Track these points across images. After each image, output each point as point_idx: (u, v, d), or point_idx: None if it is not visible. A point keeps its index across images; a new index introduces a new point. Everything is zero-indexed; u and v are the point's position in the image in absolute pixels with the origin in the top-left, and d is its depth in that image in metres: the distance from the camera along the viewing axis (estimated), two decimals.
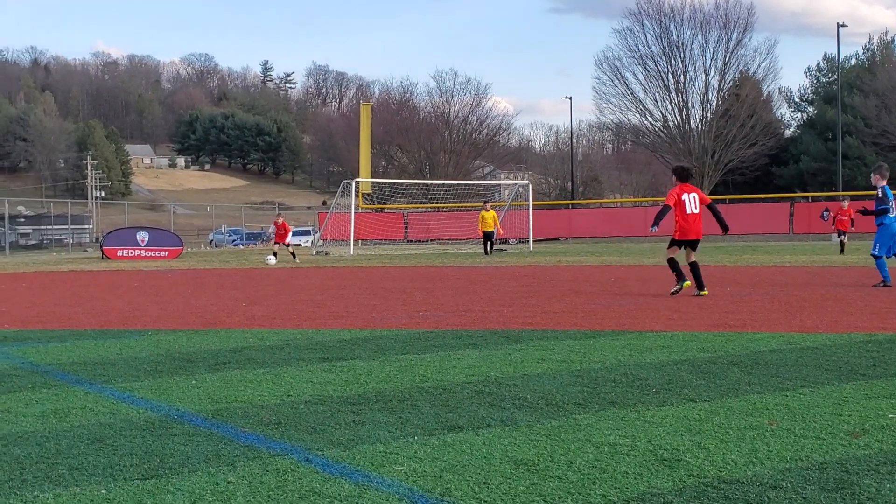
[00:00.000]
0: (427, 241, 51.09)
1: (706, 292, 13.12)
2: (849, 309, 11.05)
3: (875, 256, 14.41)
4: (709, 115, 74.97)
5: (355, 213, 38.75)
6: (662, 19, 74.77)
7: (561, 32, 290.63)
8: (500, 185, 79.29)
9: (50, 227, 67.34)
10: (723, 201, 54.92)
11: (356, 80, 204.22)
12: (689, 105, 75.62)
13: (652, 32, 75.12)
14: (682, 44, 74.57)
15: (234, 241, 70.00)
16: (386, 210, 57.84)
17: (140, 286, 18.47)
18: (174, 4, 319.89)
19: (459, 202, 54.34)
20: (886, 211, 14.30)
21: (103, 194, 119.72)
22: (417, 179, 77.23)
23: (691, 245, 13.50)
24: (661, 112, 76.80)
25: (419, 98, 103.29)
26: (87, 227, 75.38)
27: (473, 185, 58.04)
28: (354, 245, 38.05)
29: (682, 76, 75.11)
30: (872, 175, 14.73)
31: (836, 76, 66.61)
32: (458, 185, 57.33)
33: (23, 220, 71.52)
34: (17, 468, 4.36)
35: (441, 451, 4.54)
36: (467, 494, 3.85)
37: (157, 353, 8.17)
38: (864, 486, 3.88)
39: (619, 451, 4.47)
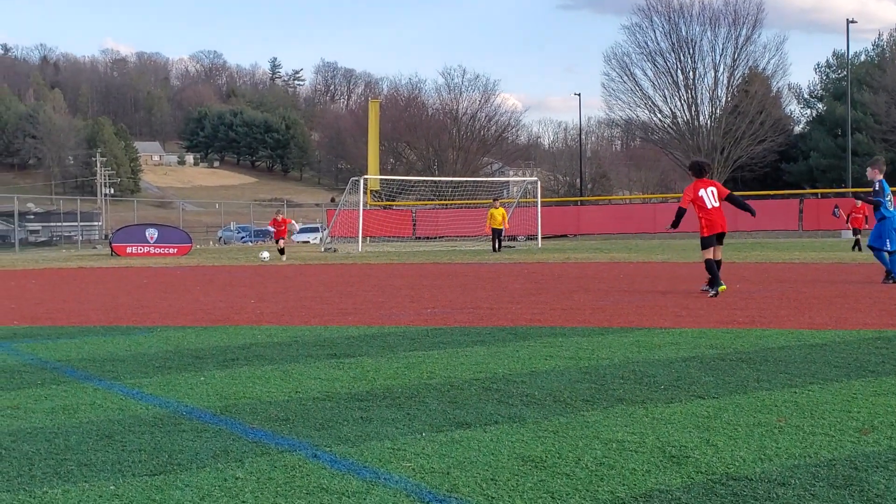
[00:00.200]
0: (435, 238, 51.06)
1: (724, 287, 12.70)
2: (858, 306, 11.02)
3: (889, 252, 14.34)
4: (718, 111, 74.83)
5: (363, 210, 38.73)
6: (671, 15, 74.68)
7: (569, 29, 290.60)
8: (508, 181, 79.34)
9: (59, 223, 67.61)
10: None
11: (364, 76, 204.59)
12: (699, 101, 75.55)
13: (661, 28, 75.06)
14: (692, 40, 74.47)
15: (243, 238, 70.11)
16: (394, 207, 57.84)
17: (149, 283, 18.51)
18: (183, 1, 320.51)
19: (468, 199, 54.33)
20: (881, 203, 14.31)
21: (112, 191, 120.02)
22: (426, 176, 77.21)
23: (718, 239, 13.15)
24: (670, 108, 76.73)
25: (427, 95, 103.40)
26: (96, 223, 75.62)
27: (482, 181, 58.04)
28: (362, 242, 38.05)
29: (691, 72, 75.00)
30: (869, 169, 14.71)
31: (845, 72, 66.44)
32: (467, 181, 57.34)
33: (32, 216, 71.79)
34: (27, 464, 4.37)
35: (449, 447, 4.54)
36: (475, 491, 3.85)
37: (165, 350, 8.19)
38: (872, 482, 3.87)
39: (628, 448, 4.46)
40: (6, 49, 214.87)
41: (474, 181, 57.23)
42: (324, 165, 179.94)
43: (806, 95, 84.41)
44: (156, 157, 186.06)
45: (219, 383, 6.44)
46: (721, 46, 74.03)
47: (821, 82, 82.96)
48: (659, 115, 77.68)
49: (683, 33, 74.53)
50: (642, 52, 75.97)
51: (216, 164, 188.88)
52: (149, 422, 5.23)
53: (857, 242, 28.90)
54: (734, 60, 74.17)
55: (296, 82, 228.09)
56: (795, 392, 5.75)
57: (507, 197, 57.07)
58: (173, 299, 14.07)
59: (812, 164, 72.16)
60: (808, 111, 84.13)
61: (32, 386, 6.48)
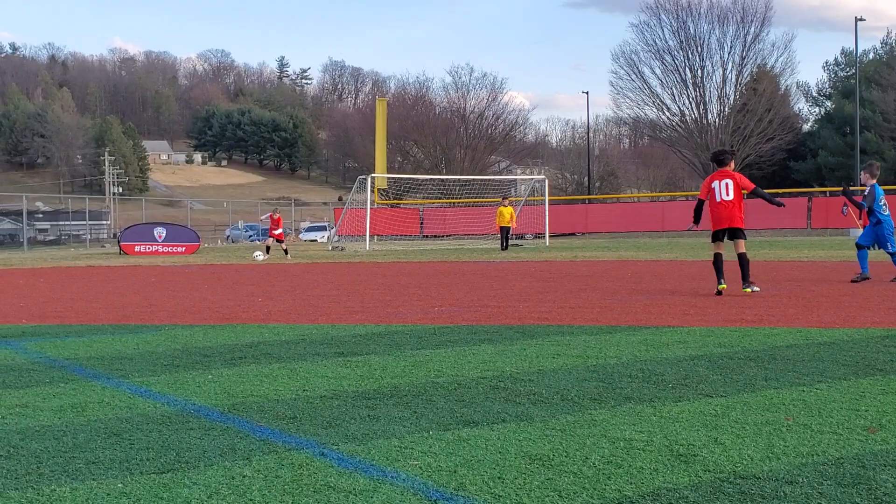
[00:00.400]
0: (442, 236, 51.05)
1: (749, 290, 12.31)
2: (866, 304, 11.00)
3: (858, 246, 14.68)
4: (726, 109, 74.73)
5: (371, 208, 38.74)
6: (679, 13, 74.63)
7: (577, 27, 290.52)
8: (516, 180, 79.28)
9: (68, 222, 67.80)
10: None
11: (372, 75, 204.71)
12: (707, 99, 75.46)
13: (669, 27, 74.99)
14: (700, 38, 74.41)
15: (251, 236, 70.18)
16: (401, 205, 57.85)
17: (157, 281, 18.54)
18: (191, 1, 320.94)
19: (475, 197, 54.31)
20: (863, 207, 14.46)
21: (121, 190, 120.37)
22: (433, 175, 77.22)
23: (729, 235, 12.60)
24: (678, 106, 76.69)
25: (435, 93, 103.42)
26: (104, 222, 75.80)
27: (489, 180, 57.97)
28: (370, 240, 38.06)
29: (699, 70, 74.92)
30: (862, 173, 14.76)
31: (854, 70, 66.24)
32: (474, 180, 57.30)
33: (41, 215, 72.02)
34: (35, 462, 4.38)
35: (456, 445, 4.54)
36: (482, 489, 3.85)
37: (173, 348, 8.20)
38: (880, 481, 3.86)
39: (635, 447, 4.46)
40: (14, 48, 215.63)
41: (482, 179, 57.19)
42: (331, 164, 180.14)
43: (814, 93, 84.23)
44: (164, 156, 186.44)
45: (226, 381, 6.45)
46: (729, 44, 74.02)
47: (829, 80, 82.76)
48: (667, 113, 77.68)
49: (692, 31, 74.51)
50: (650, 50, 76.00)
51: (224, 162, 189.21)
52: (157, 420, 5.24)
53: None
54: (742, 58, 74.11)
55: (303, 81, 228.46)
56: (803, 390, 5.74)
57: (515, 195, 57.02)
58: (181, 298, 14.09)
59: (820, 162, 71.99)
60: (817, 109, 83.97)
61: (41, 384, 6.49)
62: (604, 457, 4.29)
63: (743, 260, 12.40)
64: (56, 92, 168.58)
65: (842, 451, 4.32)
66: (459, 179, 61.17)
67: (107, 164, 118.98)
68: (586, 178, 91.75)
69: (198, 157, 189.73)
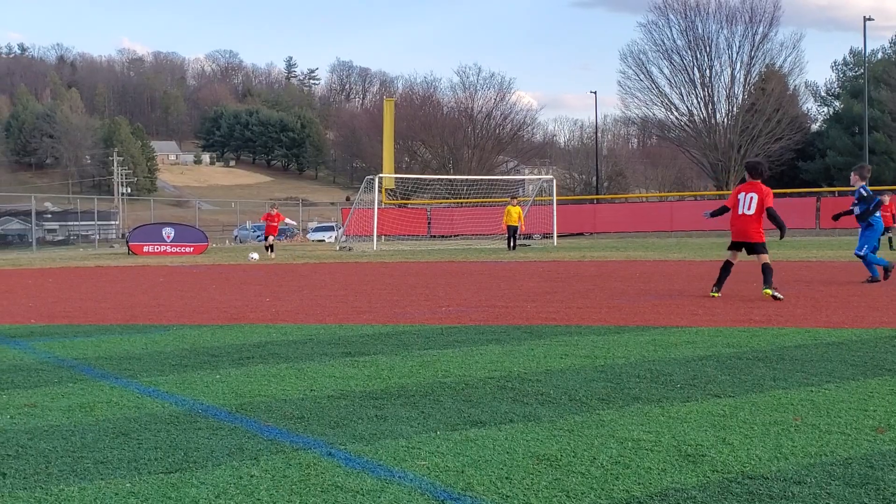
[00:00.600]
0: (450, 236, 51.05)
1: (770, 292, 11.70)
2: (875, 304, 10.97)
3: (860, 256, 14.40)
4: (735, 109, 74.62)
5: (378, 208, 38.76)
6: (688, 13, 74.54)
7: (585, 27, 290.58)
8: (524, 180, 79.25)
9: (76, 223, 67.97)
10: None
11: (379, 75, 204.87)
12: (715, 99, 75.38)
13: (677, 26, 74.92)
14: (708, 38, 74.31)
15: (259, 237, 70.23)
16: (409, 205, 57.86)
17: (165, 282, 18.57)
18: (199, 1, 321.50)
19: (483, 197, 54.30)
20: (879, 207, 14.27)
21: (129, 190, 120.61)
22: (441, 175, 77.23)
23: (748, 250, 12.35)
24: (686, 106, 76.58)
25: (442, 93, 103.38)
26: (113, 223, 75.98)
27: (497, 180, 57.96)
28: (377, 240, 38.08)
29: (707, 70, 74.82)
30: (852, 174, 14.41)
31: (862, 70, 66.10)
32: (482, 180, 57.30)
33: (49, 216, 72.22)
34: (43, 462, 4.39)
35: (463, 446, 4.54)
36: (489, 489, 3.85)
37: (181, 348, 8.21)
38: (888, 481, 3.85)
39: (643, 447, 4.45)
40: (23, 49, 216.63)
41: (489, 179, 57.19)
42: (339, 164, 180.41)
43: (823, 93, 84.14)
44: (172, 157, 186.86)
45: (234, 381, 6.46)
46: (738, 44, 73.91)
47: (838, 80, 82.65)
48: (675, 113, 77.58)
49: (700, 31, 74.42)
50: (658, 50, 75.90)
51: (232, 163, 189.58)
52: (165, 420, 5.25)
53: (890, 240, 28.70)
54: (751, 58, 73.98)
55: (311, 81, 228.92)
56: (812, 391, 5.73)
57: (523, 195, 56.98)
58: (189, 298, 14.11)
59: (829, 162, 71.84)
60: (825, 109, 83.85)
61: (49, 384, 6.51)
62: (612, 457, 4.28)
63: (766, 268, 12.01)
64: (65, 92, 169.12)
65: (850, 452, 4.31)
66: (467, 179, 61.21)
67: (115, 164, 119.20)
68: (594, 178, 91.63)
69: (206, 157, 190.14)
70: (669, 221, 50.51)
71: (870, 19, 58.26)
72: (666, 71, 76.16)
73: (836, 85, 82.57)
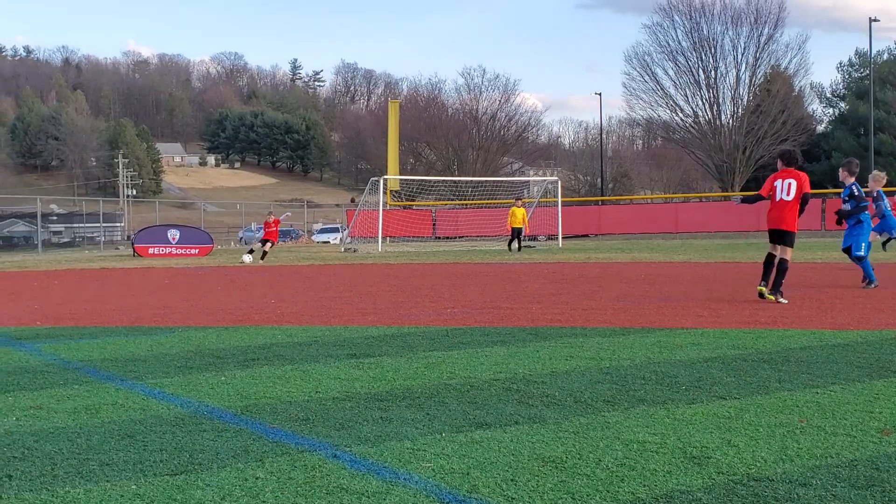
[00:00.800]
0: (455, 237, 51.05)
1: (773, 298, 11.51)
2: (880, 306, 10.95)
3: (860, 258, 13.74)
4: (740, 110, 74.57)
5: (383, 210, 38.76)
6: (693, 14, 74.50)
7: (589, 28, 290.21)
8: (528, 181, 79.24)
9: (82, 224, 68.03)
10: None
11: (384, 77, 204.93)
12: (720, 101, 75.33)
13: (682, 27, 74.91)
14: (713, 39, 74.28)
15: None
16: (414, 207, 57.87)
17: (171, 283, 18.59)
18: (204, 4, 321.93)
19: (488, 199, 54.30)
20: (866, 208, 13.78)
21: (134, 192, 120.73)
22: (445, 176, 77.24)
23: (777, 238, 11.97)
24: (691, 108, 76.55)
25: (447, 95, 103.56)
26: (118, 224, 76.07)
27: (502, 181, 57.96)
28: (382, 242, 38.08)
29: (712, 71, 74.78)
30: (841, 171, 13.91)
31: (868, 71, 66.03)
32: (487, 181, 57.30)
33: (55, 218, 72.35)
34: (49, 464, 4.40)
35: (469, 448, 4.54)
36: (495, 492, 3.85)
37: (187, 350, 8.22)
38: (894, 483, 3.84)
39: (648, 449, 4.45)
40: (29, 51, 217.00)
41: (494, 181, 57.19)
42: (344, 166, 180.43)
43: (828, 94, 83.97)
44: (177, 159, 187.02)
45: (239, 383, 6.47)
46: (743, 45, 73.87)
47: (843, 81, 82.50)
48: (680, 115, 77.53)
49: (705, 32, 74.38)
50: (663, 52, 75.88)
51: (237, 165, 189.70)
52: (170, 421, 5.25)
53: (883, 243, 28.56)
54: (756, 59, 73.94)
55: (316, 83, 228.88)
56: (817, 392, 5.72)
57: (528, 197, 56.97)
58: (195, 300, 14.13)
59: (834, 163, 71.48)
60: (831, 110, 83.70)
61: (55, 386, 6.52)
62: (617, 459, 4.28)
63: (782, 266, 11.78)
64: (70, 95, 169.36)
65: (855, 454, 4.31)
66: (472, 181, 61.18)
67: (120, 166, 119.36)
68: (599, 180, 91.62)
69: (211, 159, 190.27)
70: (674, 223, 50.48)
71: (875, 20, 58.21)
72: (671, 72, 76.22)
73: (841, 86, 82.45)
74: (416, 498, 3.77)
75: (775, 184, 11.95)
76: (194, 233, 39.74)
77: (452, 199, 63.88)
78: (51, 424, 5.26)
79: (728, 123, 75.01)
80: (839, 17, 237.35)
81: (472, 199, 57.56)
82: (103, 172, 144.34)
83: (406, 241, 46.50)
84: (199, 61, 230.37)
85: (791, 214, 11.84)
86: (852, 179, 13.70)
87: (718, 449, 4.42)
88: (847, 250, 14.11)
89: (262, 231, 31.42)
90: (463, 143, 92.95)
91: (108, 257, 37.53)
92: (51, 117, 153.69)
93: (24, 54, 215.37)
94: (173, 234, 37.97)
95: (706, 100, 75.46)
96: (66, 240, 66.04)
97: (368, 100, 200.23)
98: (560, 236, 41.29)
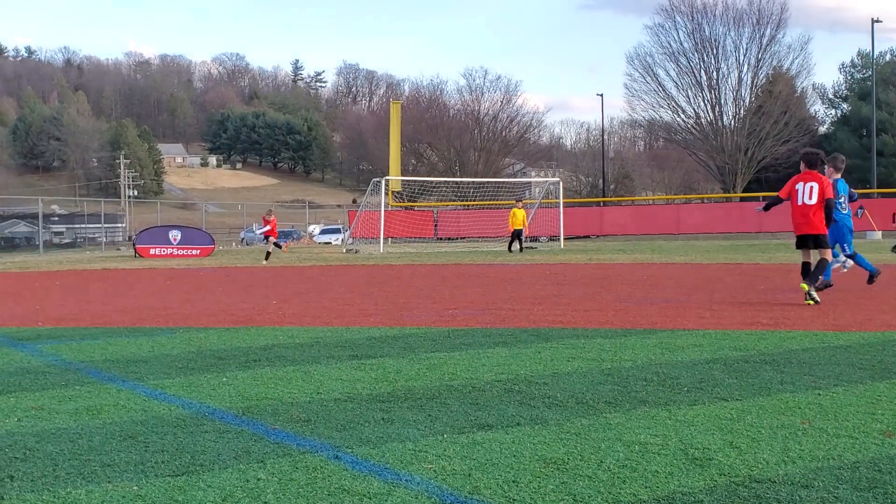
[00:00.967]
0: (457, 238, 51.06)
1: (806, 288, 11.27)
2: (883, 307, 10.94)
3: (850, 256, 13.54)
4: (742, 111, 74.54)
5: (385, 211, 38.76)
6: (695, 15, 74.48)
7: (591, 29, 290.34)
8: (530, 182, 79.25)
9: (83, 225, 68.08)
10: (756, 198, 54.57)
11: (386, 78, 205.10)
12: (722, 102, 75.34)
13: (684, 28, 74.90)
14: (715, 40, 74.26)
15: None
16: (416, 208, 57.88)
17: (172, 284, 18.60)
18: (206, 4, 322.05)
19: (489, 200, 54.31)
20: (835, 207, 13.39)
21: (136, 193, 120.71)
22: (447, 177, 77.24)
23: (809, 242, 11.65)
24: (693, 109, 76.51)
25: (449, 96, 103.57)
26: (119, 225, 76.15)
27: (503, 182, 58.00)
28: (384, 243, 38.09)
29: (714, 72, 74.76)
30: (826, 167, 13.28)
31: (870, 72, 65.94)
32: (488, 182, 57.31)
33: (56, 218, 72.35)
34: (51, 464, 4.40)
35: (470, 449, 4.53)
36: (496, 493, 3.84)
37: (188, 351, 8.22)
38: None
39: (650, 450, 4.44)
40: (30, 52, 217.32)
41: (496, 182, 57.23)
42: (345, 167, 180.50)
43: (830, 95, 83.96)
44: (179, 159, 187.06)
45: (241, 384, 6.46)
46: (745, 46, 73.87)
47: (845, 82, 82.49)
48: (682, 116, 77.50)
49: (707, 33, 74.37)
50: (665, 53, 75.88)
51: (239, 165, 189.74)
52: (171, 422, 5.25)
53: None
54: (758, 60, 73.92)
55: (318, 84, 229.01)
56: (819, 394, 5.72)
57: (530, 198, 56.98)
58: (196, 300, 14.13)
59: None
60: (833, 111, 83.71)
61: (56, 387, 6.52)
62: (619, 460, 4.28)
63: (821, 264, 11.52)
64: (71, 95, 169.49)
65: (858, 455, 4.30)
66: (473, 182, 61.19)
67: (122, 167, 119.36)
68: (601, 181, 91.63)
69: (212, 159, 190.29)
70: (676, 224, 50.45)
71: (878, 21, 58.16)
72: (672, 73, 76.21)
73: (843, 87, 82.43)
74: (418, 499, 3.77)
75: (797, 187, 11.70)
76: (196, 233, 39.75)
77: (454, 200, 63.90)
78: (52, 425, 5.26)
79: (730, 124, 75.00)
80: (841, 17, 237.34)
81: (474, 200, 57.59)
82: (105, 173, 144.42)
83: (408, 242, 46.50)
84: (201, 62, 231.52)
85: (817, 217, 11.58)
86: (838, 175, 13.34)
87: (720, 450, 4.42)
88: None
89: (264, 227, 31.19)
90: (465, 144, 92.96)
91: (109, 258, 37.54)
92: (52, 118, 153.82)
93: (25, 55, 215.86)
94: (175, 235, 37.97)
95: (708, 101, 75.48)
96: (67, 240, 66.06)
97: (370, 100, 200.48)
98: (562, 237, 41.28)
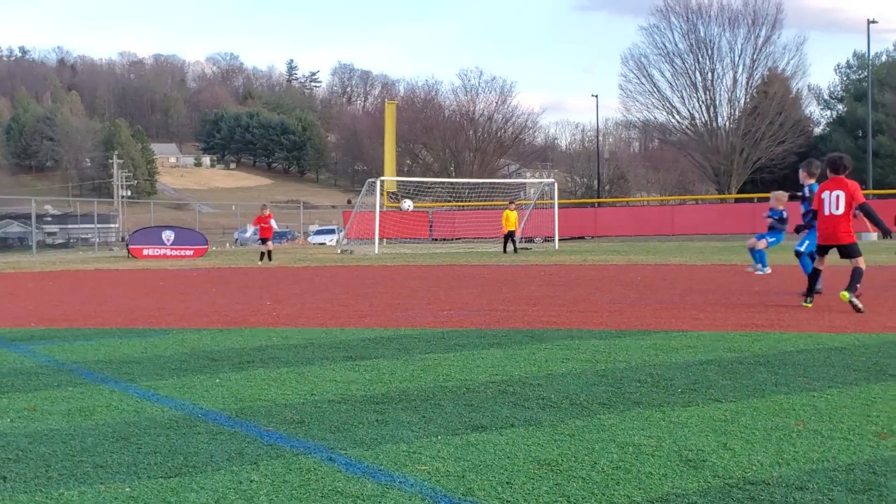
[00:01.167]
0: (452, 239, 51.07)
1: (848, 297, 10.80)
2: (878, 309, 10.95)
3: (798, 253, 13.34)
4: (737, 112, 74.67)
5: (380, 211, 38.74)
6: (690, 16, 74.63)
7: (587, 30, 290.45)
8: (525, 183, 79.26)
9: (76, 226, 68.07)
10: (751, 199, 54.62)
11: (381, 78, 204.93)
12: (717, 103, 75.50)
13: (679, 29, 75.03)
14: (710, 41, 74.41)
15: (258, 240, 70.17)
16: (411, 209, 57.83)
17: (165, 285, 18.57)
18: (200, 4, 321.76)
19: (484, 201, 54.32)
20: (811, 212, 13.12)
21: (129, 193, 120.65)
22: (442, 178, 77.25)
23: (842, 253, 11.31)
24: (688, 110, 76.71)
25: (444, 96, 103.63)
26: (113, 226, 76.02)
27: (498, 183, 57.95)
28: (379, 244, 38.07)
29: (709, 73, 74.91)
30: (801, 171, 13.38)
31: (866, 73, 66.06)
32: (483, 183, 57.29)
33: (49, 219, 72.34)
34: (43, 466, 4.38)
35: (464, 450, 4.53)
36: (490, 494, 3.84)
37: (181, 352, 8.20)
38: (891, 487, 3.83)
39: (644, 452, 4.44)
40: (24, 51, 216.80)
41: (491, 183, 57.17)
42: (340, 167, 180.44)
43: (826, 96, 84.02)
44: (172, 159, 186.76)
45: (234, 385, 6.45)
46: (740, 47, 73.99)
47: (841, 83, 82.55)
48: (677, 117, 77.68)
49: (702, 34, 74.52)
50: (660, 53, 76.02)
51: (232, 165, 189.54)
52: (164, 424, 5.23)
53: None
54: (753, 61, 74.03)
55: (312, 84, 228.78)
56: (814, 396, 5.72)
57: (524, 198, 57.00)
58: (189, 301, 14.11)
59: None
60: (829, 112, 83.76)
61: (49, 388, 6.50)
62: (613, 462, 4.27)
63: (856, 272, 11.09)
64: (65, 95, 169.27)
65: (852, 457, 4.30)
66: (469, 182, 61.16)
67: (115, 167, 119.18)
68: (596, 182, 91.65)
69: (206, 160, 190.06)
70: (671, 225, 50.51)
71: (873, 22, 58.23)
72: (667, 74, 76.34)
73: (839, 88, 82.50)
74: (412, 501, 3.76)
75: (823, 196, 11.30)
76: (189, 234, 39.68)
77: (449, 201, 63.88)
78: (45, 426, 5.24)
79: (725, 125, 75.14)
80: (837, 18, 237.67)
81: (469, 201, 57.57)
82: (98, 173, 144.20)
83: (402, 243, 46.49)
84: (195, 62, 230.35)
85: (843, 228, 11.16)
86: (812, 181, 13.13)
87: (714, 452, 4.41)
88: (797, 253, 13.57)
89: (263, 228, 30.30)
90: (460, 144, 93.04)
91: (102, 258, 37.48)
92: (46, 118, 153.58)
93: (19, 55, 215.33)
94: (168, 236, 37.90)
95: (703, 102, 75.64)
96: (60, 241, 66.04)
97: (365, 101, 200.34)
98: (556, 238, 41.31)
